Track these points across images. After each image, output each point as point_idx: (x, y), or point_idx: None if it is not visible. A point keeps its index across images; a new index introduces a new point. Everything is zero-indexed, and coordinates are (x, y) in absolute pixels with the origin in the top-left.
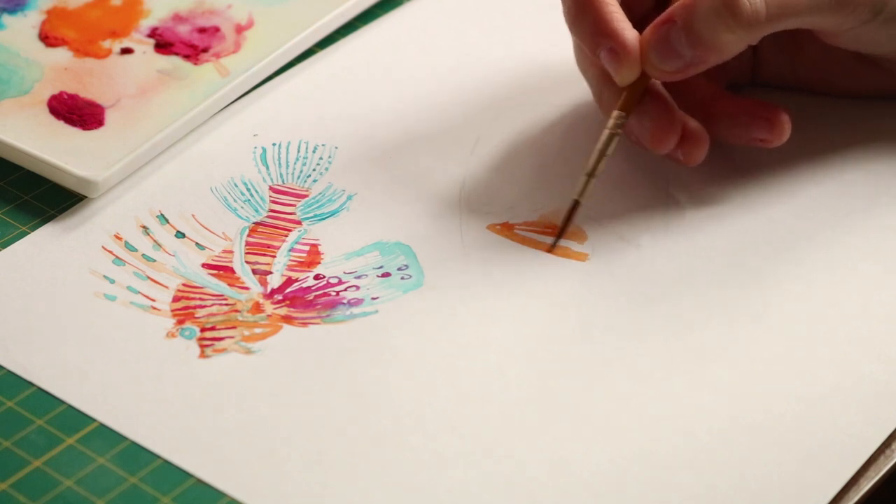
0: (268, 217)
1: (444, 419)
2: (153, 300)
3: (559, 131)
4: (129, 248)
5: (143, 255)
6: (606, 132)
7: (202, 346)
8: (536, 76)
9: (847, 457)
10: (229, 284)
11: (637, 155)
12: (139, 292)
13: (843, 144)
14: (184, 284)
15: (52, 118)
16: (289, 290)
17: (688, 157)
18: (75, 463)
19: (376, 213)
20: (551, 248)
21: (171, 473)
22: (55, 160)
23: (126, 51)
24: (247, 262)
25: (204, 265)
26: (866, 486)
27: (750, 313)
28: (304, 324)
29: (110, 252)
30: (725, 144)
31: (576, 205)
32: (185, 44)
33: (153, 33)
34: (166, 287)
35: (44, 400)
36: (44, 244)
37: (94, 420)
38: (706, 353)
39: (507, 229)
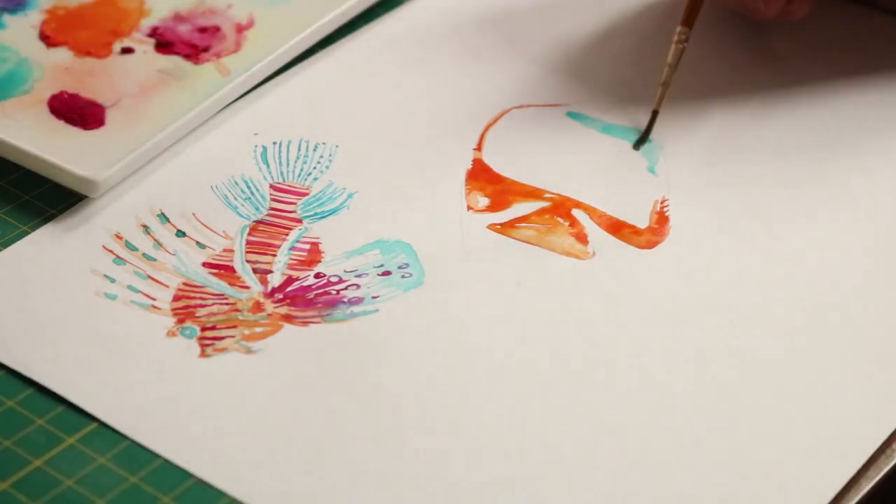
0: (268, 215)
1: (443, 418)
2: (154, 299)
3: (562, 126)
4: (130, 247)
5: (144, 254)
6: (674, 46)
7: (203, 346)
8: (537, 75)
9: (847, 457)
10: (230, 283)
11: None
12: (140, 291)
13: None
14: (184, 283)
15: (52, 118)
16: (289, 288)
17: (799, 11)
18: (75, 463)
19: (377, 211)
20: (636, 147)
21: (171, 473)
22: (56, 160)
23: (127, 50)
24: (247, 261)
25: (204, 264)
26: (866, 486)
27: (749, 313)
28: (305, 323)
29: (111, 251)
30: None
31: (655, 113)
32: (185, 43)
33: (154, 33)
34: (167, 286)
35: (44, 400)
36: (44, 244)
37: (94, 420)
38: (706, 353)
39: (507, 228)
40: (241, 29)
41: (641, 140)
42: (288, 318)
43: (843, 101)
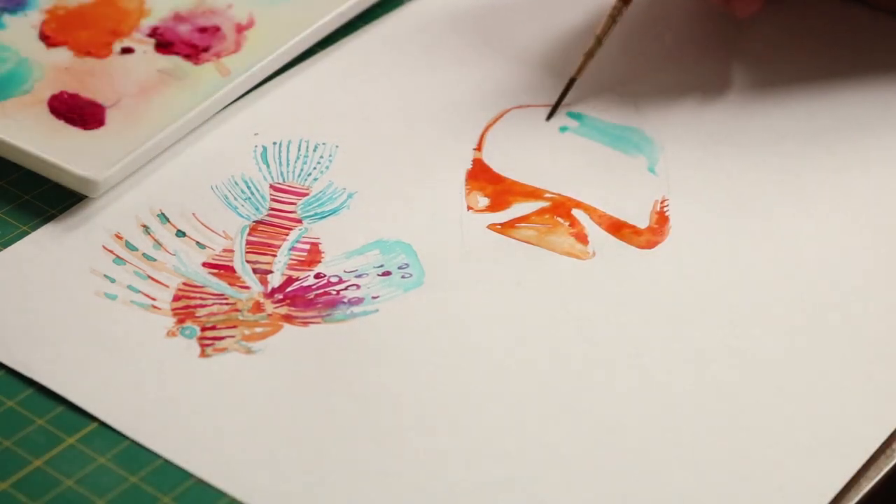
0: (268, 215)
1: (443, 418)
2: (154, 299)
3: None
4: (130, 247)
5: (144, 254)
6: (606, 19)
7: (203, 346)
8: (537, 75)
9: (847, 457)
10: (230, 283)
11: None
12: (140, 291)
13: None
14: (184, 283)
15: (52, 118)
16: (289, 289)
17: (741, 11)
18: (75, 463)
19: (377, 211)
20: (548, 119)
21: (171, 473)
22: (56, 160)
23: (127, 50)
24: (247, 262)
25: (204, 264)
26: (866, 486)
27: (749, 313)
28: (305, 323)
29: (111, 251)
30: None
31: (571, 81)
32: (185, 43)
33: (154, 33)
34: (167, 286)
35: (44, 400)
36: (44, 244)
37: (94, 420)
38: (706, 353)
39: (507, 228)
40: (241, 29)
41: (554, 110)
42: (288, 319)
43: (844, 101)
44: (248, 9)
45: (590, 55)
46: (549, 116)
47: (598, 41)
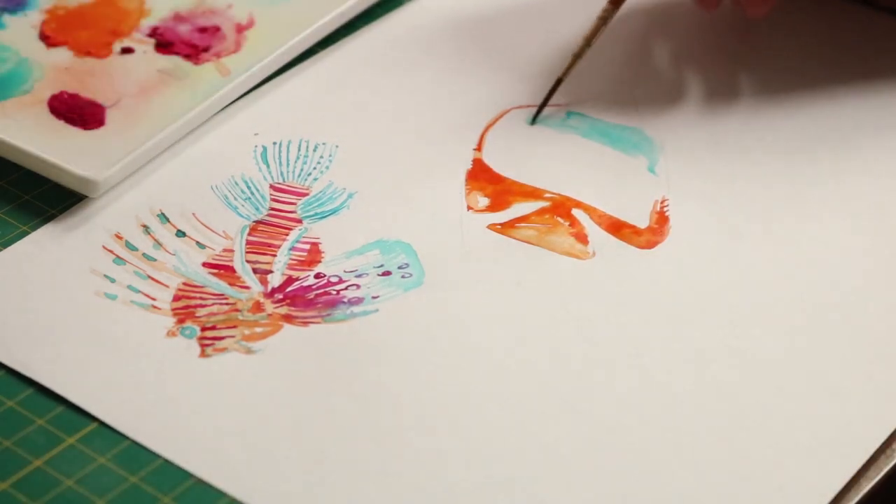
0: (268, 215)
1: (443, 418)
2: (154, 299)
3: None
4: (130, 247)
5: (144, 254)
6: (596, 21)
7: (203, 346)
8: (537, 75)
9: (847, 457)
10: (230, 283)
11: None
12: (140, 291)
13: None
14: (184, 283)
15: (52, 118)
16: (289, 289)
17: (753, 11)
18: (75, 463)
19: (377, 211)
20: (533, 121)
21: (171, 473)
22: (56, 160)
23: (127, 50)
24: (247, 262)
25: (204, 264)
26: (866, 486)
27: (749, 313)
28: (305, 323)
29: (111, 251)
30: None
31: (559, 81)
32: (185, 43)
33: (154, 33)
34: (167, 286)
35: (44, 400)
36: (44, 244)
37: (94, 420)
38: (706, 353)
39: (507, 228)
40: (241, 29)
41: (539, 112)
42: (288, 319)
43: (843, 101)
44: (248, 9)
45: (578, 56)
46: (535, 116)
47: (587, 42)
